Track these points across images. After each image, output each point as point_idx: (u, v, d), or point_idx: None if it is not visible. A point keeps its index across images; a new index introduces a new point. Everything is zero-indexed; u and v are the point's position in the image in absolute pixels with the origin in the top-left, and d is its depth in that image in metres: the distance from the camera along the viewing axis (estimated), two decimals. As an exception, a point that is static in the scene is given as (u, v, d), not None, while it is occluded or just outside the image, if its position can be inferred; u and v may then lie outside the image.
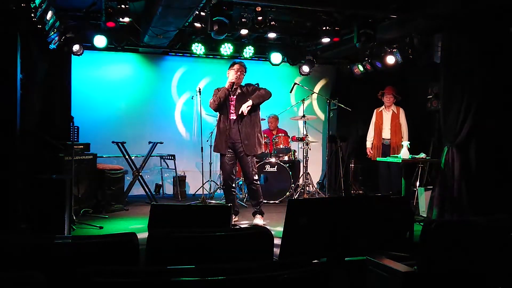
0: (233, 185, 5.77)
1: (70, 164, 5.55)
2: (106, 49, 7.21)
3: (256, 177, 5.68)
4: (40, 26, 5.02)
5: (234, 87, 5.62)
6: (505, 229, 2.49)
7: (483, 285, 2.45)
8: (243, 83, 5.71)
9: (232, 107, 5.59)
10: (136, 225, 5.66)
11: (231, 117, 5.59)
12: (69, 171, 5.46)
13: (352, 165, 8.50)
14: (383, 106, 7.27)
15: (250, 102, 5.50)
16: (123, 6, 5.75)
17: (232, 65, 5.68)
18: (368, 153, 7.38)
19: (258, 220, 5.62)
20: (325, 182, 8.76)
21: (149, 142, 7.34)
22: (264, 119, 8.25)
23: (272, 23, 6.34)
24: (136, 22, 6.43)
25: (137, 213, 6.42)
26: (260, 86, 5.70)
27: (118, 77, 8.09)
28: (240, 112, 5.51)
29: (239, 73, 5.59)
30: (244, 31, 6.47)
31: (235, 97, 5.59)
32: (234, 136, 5.57)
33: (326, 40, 6.71)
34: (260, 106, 5.72)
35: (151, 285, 1.53)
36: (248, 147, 5.53)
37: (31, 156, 5.14)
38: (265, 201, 6.40)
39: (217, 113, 5.77)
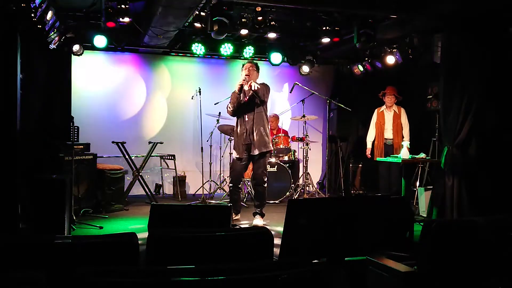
0: (240, 186, 5.76)
1: (70, 164, 5.55)
2: (106, 49, 7.21)
3: (265, 179, 5.65)
4: (40, 26, 5.01)
5: (247, 86, 5.46)
6: (505, 229, 2.49)
7: (483, 285, 2.45)
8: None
9: (246, 109, 5.51)
10: (136, 225, 5.66)
11: (246, 119, 5.53)
12: (69, 171, 5.47)
13: (353, 165, 8.49)
14: (384, 106, 7.25)
15: (256, 86, 5.35)
16: (123, 6, 5.75)
17: (242, 66, 5.62)
18: (368, 154, 7.36)
19: (258, 221, 5.61)
20: (325, 182, 8.75)
21: (149, 142, 7.34)
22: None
23: (272, 23, 6.34)
24: (136, 22, 6.43)
25: (137, 213, 6.43)
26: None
27: (118, 77, 8.09)
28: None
29: (247, 70, 5.50)
30: (244, 31, 6.47)
31: (247, 98, 5.51)
32: (249, 137, 5.52)
33: (326, 40, 6.71)
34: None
35: (151, 285, 1.53)
36: (254, 146, 5.50)
37: (31, 156, 5.14)
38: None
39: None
